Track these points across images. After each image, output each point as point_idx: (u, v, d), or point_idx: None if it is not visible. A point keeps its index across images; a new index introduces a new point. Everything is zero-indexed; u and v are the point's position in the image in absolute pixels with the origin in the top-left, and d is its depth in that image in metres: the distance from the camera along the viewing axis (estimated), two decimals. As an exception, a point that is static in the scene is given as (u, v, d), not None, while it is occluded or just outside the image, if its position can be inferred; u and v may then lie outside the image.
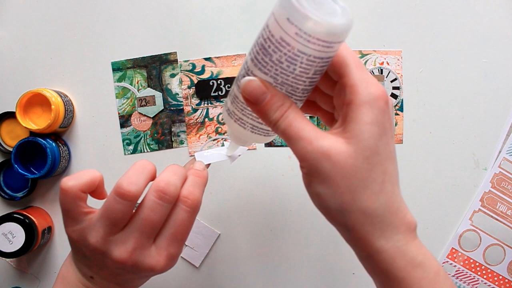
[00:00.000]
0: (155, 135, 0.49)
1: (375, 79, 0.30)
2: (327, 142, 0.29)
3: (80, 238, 0.33)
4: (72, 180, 0.32)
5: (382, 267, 0.30)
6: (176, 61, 0.48)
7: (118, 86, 0.48)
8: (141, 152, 0.49)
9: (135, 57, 0.48)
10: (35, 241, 0.44)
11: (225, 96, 0.49)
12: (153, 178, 0.34)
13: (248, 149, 0.49)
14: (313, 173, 0.29)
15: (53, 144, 0.45)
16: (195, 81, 0.48)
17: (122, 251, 0.32)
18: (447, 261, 0.50)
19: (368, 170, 0.29)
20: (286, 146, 0.49)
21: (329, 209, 0.30)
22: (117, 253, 0.32)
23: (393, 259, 0.30)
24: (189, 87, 0.49)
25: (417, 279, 0.30)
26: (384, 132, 0.29)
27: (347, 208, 0.29)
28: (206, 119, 0.49)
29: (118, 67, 0.48)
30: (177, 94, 0.49)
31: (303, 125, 0.29)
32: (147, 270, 0.33)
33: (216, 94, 0.48)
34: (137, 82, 0.48)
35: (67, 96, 0.47)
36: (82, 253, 0.34)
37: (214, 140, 0.49)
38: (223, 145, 0.49)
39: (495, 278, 0.50)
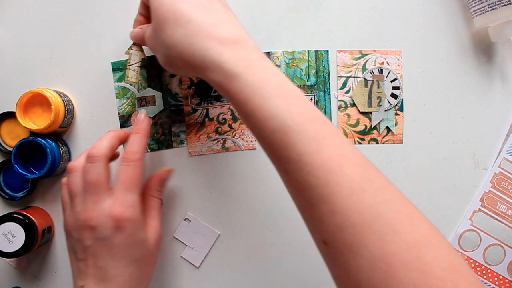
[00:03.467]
0: (155, 135, 0.49)
1: None
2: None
3: (65, 226, 0.41)
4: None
5: (214, 85, 0.35)
6: (176, 61, 0.48)
7: (118, 86, 0.48)
8: (141, 152, 0.49)
9: (135, 57, 0.48)
10: (35, 241, 0.44)
11: (225, 96, 0.49)
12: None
13: (248, 149, 0.49)
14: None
15: (53, 144, 0.45)
16: (195, 81, 0.48)
17: (85, 213, 0.38)
18: (447, 261, 0.50)
19: (163, 16, 0.35)
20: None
21: (164, 56, 0.37)
22: (82, 216, 0.38)
23: (212, 73, 0.34)
24: (189, 87, 0.49)
25: (236, 90, 0.33)
26: None
27: (167, 49, 0.36)
28: (206, 119, 0.49)
29: (118, 67, 0.48)
30: (177, 94, 0.48)
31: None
32: (107, 215, 0.38)
33: (216, 94, 0.48)
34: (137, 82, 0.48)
35: (67, 96, 0.47)
36: (72, 245, 0.39)
37: (214, 140, 0.49)
38: (223, 145, 0.49)
39: (495, 278, 0.50)
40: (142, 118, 0.43)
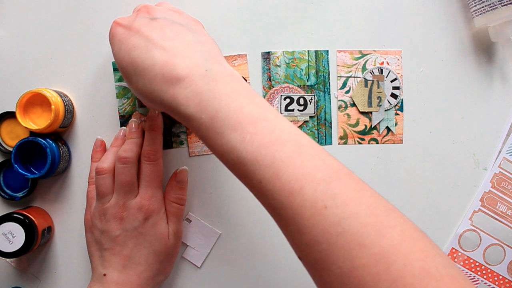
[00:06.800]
0: (155, 135, 0.49)
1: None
2: None
3: (89, 221, 0.44)
4: None
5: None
6: (176, 61, 0.48)
7: (118, 86, 0.48)
8: (141, 152, 0.49)
9: (135, 57, 0.48)
10: (35, 241, 0.44)
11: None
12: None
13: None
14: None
15: (53, 144, 0.45)
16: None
17: (116, 209, 0.42)
18: (447, 261, 0.50)
19: (125, 70, 0.37)
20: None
21: (141, 99, 0.38)
22: (113, 210, 0.42)
23: (175, 115, 0.35)
24: (189, 87, 0.48)
25: (194, 129, 0.34)
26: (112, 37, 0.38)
27: (139, 95, 0.37)
28: (206, 119, 0.49)
29: (118, 67, 0.48)
30: (177, 94, 0.48)
31: None
32: (137, 208, 0.42)
33: (216, 94, 0.48)
34: (137, 82, 0.48)
35: (67, 96, 0.47)
36: (96, 237, 0.43)
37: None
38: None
39: (495, 278, 0.50)
40: (156, 114, 0.45)
